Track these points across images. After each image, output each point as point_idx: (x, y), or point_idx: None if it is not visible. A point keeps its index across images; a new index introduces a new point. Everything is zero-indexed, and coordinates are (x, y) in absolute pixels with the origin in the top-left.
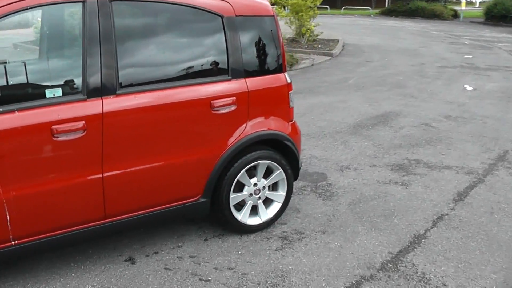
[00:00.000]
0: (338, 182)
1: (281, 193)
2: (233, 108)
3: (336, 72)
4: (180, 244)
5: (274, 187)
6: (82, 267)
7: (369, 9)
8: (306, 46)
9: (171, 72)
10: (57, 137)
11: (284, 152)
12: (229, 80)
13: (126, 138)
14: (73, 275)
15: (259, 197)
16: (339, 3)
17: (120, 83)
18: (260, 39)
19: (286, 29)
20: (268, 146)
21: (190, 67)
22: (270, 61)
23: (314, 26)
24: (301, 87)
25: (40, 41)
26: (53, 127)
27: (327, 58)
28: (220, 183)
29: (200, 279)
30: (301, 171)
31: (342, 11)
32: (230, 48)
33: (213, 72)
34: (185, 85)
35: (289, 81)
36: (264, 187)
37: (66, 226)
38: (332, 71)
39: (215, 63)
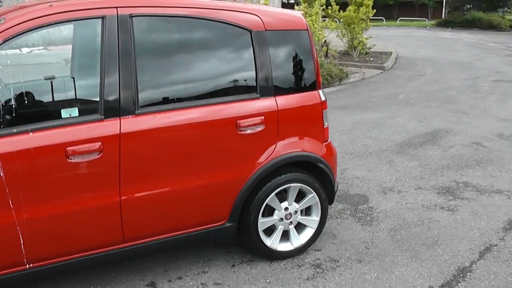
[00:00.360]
0: (379, 206)
1: (315, 218)
2: (261, 128)
3: (386, 87)
4: (205, 270)
5: (307, 211)
6: None
7: (425, 20)
8: (357, 59)
9: (194, 91)
10: (71, 159)
11: (317, 174)
12: (258, 98)
13: (145, 161)
14: None
15: (291, 222)
16: (394, 14)
17: (140, 103)
18: (292, 55)
19: (338, 42)
20: (300, 168)
21: (215, 85)
22: (303, 78)
23: (366, 39)
24: (349, 102)
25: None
26: (68, 148)
27: (379, 71)
28: (248, 207)
29: None
30: (341, 192)
31: (398, 22)
32: (259, 64)
33: (240, 90)
34: (209, 104)
35: (323, 99)
36: (296, 212)
37: (83, 250)
38: (382, 86)
39: (243, 81)
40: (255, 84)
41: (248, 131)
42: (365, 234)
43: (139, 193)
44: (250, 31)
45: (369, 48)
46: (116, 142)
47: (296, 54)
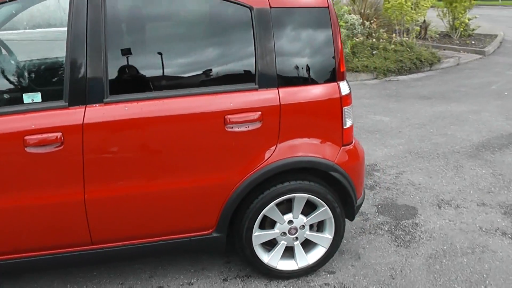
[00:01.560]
0: (427, 223)
1: (327, 236)
2: (257, 126)
3: (481, 74)
4: (192, 281)
5: (320, 226)
6: None
7: None
8: (457, 42)
9: (177, 78)
10: (29, 149)
11: (333, 184)
12: (255, 90)
13: (112, 157)
14: None
15: (296, 238)
16: None
17: (110, 90)
18: (304, 38)
19: (438, 23)
20: (313, 175)
21: (202, 72)
22: (318, 67)
23: (469, 19)
24: (433, 91)
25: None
26: (26, 137)
27: (477, 56)
28: (241, 217)
29: None
30: (387, 201)
31: None
32: (259, 49)
33: (234, 79)
34: (193, 95)
35: (345, 92)
36: (303, 226)
37: (45, 248)
38: (476, 73)
39: (238, 68)
40: (253, 73)
41: (240, 129)
42: (397, 259)
43: (106, 193)
44: (251, 8)
45: (473, 29)
46: (78, 133)
47: (311, 38)
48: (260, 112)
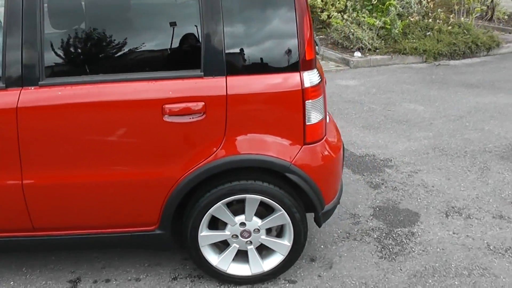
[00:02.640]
0: (425, 234)
1: (285, 242)
2: (199, 117)
3: None
4: (141, 277)
5: (281, 231)
6: (25, 277)
7: None
8: None
9: (115, 62)
10: None
11: (296, 187)
12: (200, 77)
13: (47, 143)
14: (12, 283)
15: (250, 242)
16: None
17: (46, 72)
18: (261, 20)
19: (508, 2)
20: (269, 175)
21: (142, 56)
22: (276, 54)
23: None
24: (483, 79)
25: None
26: None
27: None
28: (186, 215)
29: None
30: (388, 204)
31: None
32: (205, 30)
33: (176, 64)
34: (131, 80)
35: (309, 84)
36: (258, 230)
37: None
38: None
39: (181, 52)
40: (198, 58)
41: (181, 120)
42: (374, 273)
43: (44, 180)
44: None
45: None
46: (13, 117)
47: (268, 19)
48: (203, 103)
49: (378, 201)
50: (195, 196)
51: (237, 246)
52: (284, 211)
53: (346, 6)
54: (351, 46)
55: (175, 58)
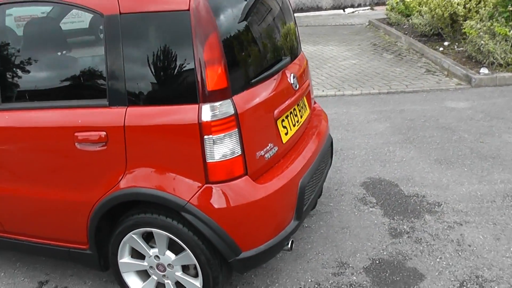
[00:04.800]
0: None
1: (197, 284)
2: (102, 147)
3: None
4: (82, 281)
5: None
6: (13, 271)
7: None
8: None
9: (34, 91)
10: None
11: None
12: (106, 107)
13: None
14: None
15: (166, 276)
16: None
17: None
18: (159, 50)
19: None
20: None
21: (58, 85)
22: (173, 85)
23: None
24: None
25: None
26: None
27: None
28: (108, 241)
29: None
30: (399, 258)
31: None
32: (110, 62)
33: (88, 93)
34: (49, 108)
35: (208, 118)
36: (172, 266)
37: None
38: None
39: (92, 82)
40: (105, 88)
41: (89, 148)
42: None
43: None
44: (101, 15)
45: None
46: None
47: (166, 49)
48: (104, 133)
49: (385, 253)
50: (114, 223)
51: (155, 278)
52: (189, 251)
53: (492, 13)
54: (484, 60)
55: (86, 88)
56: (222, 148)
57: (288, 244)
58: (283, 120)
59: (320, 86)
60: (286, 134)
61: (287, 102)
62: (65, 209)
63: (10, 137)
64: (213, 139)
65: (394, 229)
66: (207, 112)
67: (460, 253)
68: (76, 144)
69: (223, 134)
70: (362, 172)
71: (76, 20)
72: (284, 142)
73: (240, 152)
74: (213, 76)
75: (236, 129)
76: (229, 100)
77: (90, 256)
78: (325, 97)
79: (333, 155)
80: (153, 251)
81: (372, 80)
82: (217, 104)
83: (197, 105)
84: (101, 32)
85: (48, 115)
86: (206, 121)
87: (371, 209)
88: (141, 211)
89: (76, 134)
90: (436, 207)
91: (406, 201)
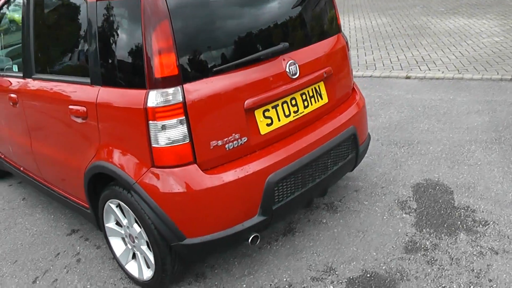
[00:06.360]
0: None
1: (152, 260)
2: (83, 120)
3: None
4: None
5: None
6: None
7: None
8: None
9: (46, 64)
10: None
11: None
12: (89, 84)
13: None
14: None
15: (135, 247)
16: None
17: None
18: (118, 35)
19: None
20: None
21: (64, 61)
22: (127, 69)
23: None
24: None
25: None
26: None
27: None
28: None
29: None
30: (395, 278)
31: None
32: (89, 43)
33: (81, 71)
34: (58, 81)
35: (153, 104)
36: (138, 238)
37: None
38: None
39: (81, 61)
40: (88, 68)
41: (76, 120)
42: None
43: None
44: (86, 2)
45: None
46: None
47: (122, 35)
48: (85, 108)
49: (383, 267)
50: (98, 188)
51: (130, 247)
52: (142, 228)
53: None
54: None
55: (80, 66)
56: (167, 134)
57: (248, 239)
58: (266, 110)
59: (443, 67)
60: (269, 125)
61: (275, 91)
62: (70, 169)
63: (38, 101)
64: (158, 125)
65: (414, 243)
66: (153, 98)
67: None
68: (70, 115)
69: (168, 121)
70: (423, 172)
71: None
72: (262, 133)
73: (188, 140)
74: (161, 63)
75: (184, 117)
76: (177, 88)
77: (90, 215)
78: (441, 79)
79: (390, 149)
80: (126, 222)
81: (503, 63)
82: (163, 90)
83: (145, 91)
84: (86, 17)
85: (58, 86)
86: (151, 107)
87: (404, 215)
88: (115, 183)
89: (69, 106)
90: (481, 226)
91: (450, 213)
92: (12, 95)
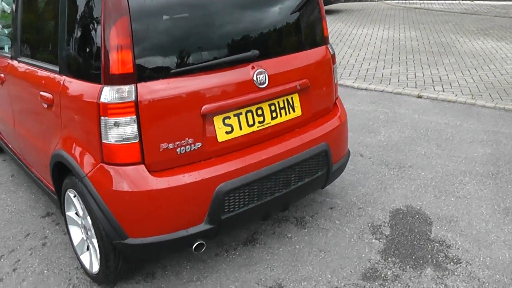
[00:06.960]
0: None
1: (98, 252)
2: (50, 107)
3: None
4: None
5: None
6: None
7: None
8: None
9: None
10: None
11: None
12: (57, 73)
13: None
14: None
15: (88, 239)
16: None
17: None
18: (81, 27)
19: None
20: None
21: (44, 45)
22: (86, 62)
23: None
24: None
25: None
26: None
27: None
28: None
29: None
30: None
31: None
32: (60, 32)
33: (52, 59)
34: (36, 66)
35: (106, 100)
36: (90, 230)
37: None
38: None
39: (54, 49)
40: (57, 57)
41: (45, 106)
42: None
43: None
44: None
45: None
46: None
47: (85, 27)
48: (51, 96)
49: None
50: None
51: (84, 237)
52: (90, 221)
53: None
54: None
55: (54, 54)
56: (117, 131)
57: (192, 246)
58: (227, 118)
59: (458, 90)
60: (229, 133)
61: (237, 99)
62: (41, 153)
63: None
64: (108, 121)
65: (374, 271)
66: (106, 94)
67: None
68: (41, 101)
69: (118, 118)
70: (407, 198)
71: None
72: (220, 140)
73: (137, 140)
74: (117, 60)
75: (135, 116)
76: (131, 86)
77: (56, 200)
78: (453, 102)
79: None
80: (81, 213)
81: None
82: (117, 87)
83: (99, 86)
84: (57, 6)
85: (35, 71)
86: (103, 103)
87: (373, 240)
88: (72, 173)
89: (40, 92)
90: (452, 264)
91: (422, 245)
92: (1, 75)
